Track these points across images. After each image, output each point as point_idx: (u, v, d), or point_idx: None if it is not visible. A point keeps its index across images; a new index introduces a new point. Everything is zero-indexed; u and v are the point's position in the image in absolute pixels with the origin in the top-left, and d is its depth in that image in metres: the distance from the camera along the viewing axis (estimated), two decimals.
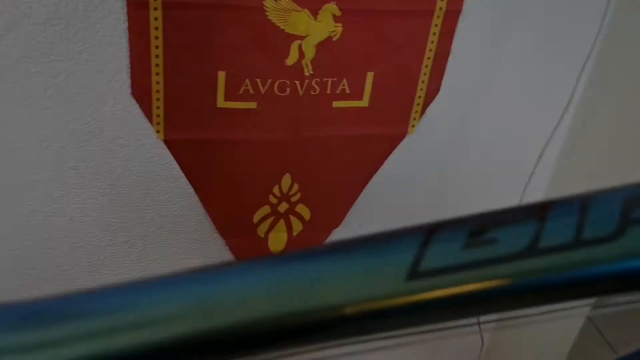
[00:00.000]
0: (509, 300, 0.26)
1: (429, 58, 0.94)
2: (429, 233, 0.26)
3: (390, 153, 1.01)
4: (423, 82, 0.96)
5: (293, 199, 1.00)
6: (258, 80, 0.87)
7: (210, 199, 0.95)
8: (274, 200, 0.99)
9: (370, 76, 0.93)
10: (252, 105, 0.89)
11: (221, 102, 0.87)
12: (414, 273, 0.25)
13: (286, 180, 0.98)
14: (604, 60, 1.00)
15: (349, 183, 1.03)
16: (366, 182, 1.03)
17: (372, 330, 0.25)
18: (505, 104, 1.02)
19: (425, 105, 0.98)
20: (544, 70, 1.00)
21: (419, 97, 0.97)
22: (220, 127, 0.89)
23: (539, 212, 0.26)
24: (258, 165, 0.95)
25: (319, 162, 0.98)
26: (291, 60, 0.87)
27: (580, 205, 0.26)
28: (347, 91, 0.93)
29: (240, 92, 0.87)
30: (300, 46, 0.86)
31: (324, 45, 0.88)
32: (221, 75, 0.85)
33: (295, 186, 0.99)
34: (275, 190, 0.98)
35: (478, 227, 0.26)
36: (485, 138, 1.05)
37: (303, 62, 0.88)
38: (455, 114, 1.01)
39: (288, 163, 0.97)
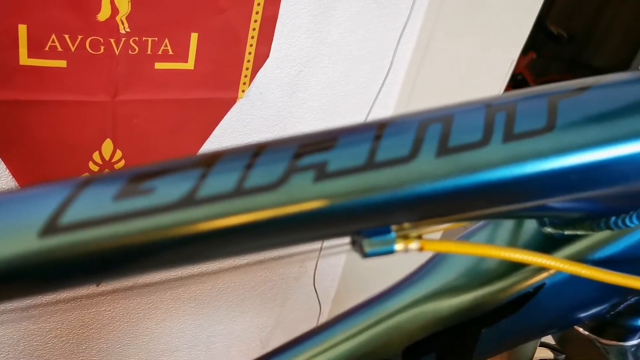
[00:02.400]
0: (170, 256, 0.24)
1: (256, 21, 0.92)
2: (81, 187, 0.24)
3: (221, 118, 0.98)
4: (251, 46, 0.94)
5: (117, 167, 0.95)
6: (66, 36, 0.80)
7: (20, 167, 0.88)
8: (94, 168, 0.93)
9: (194, 37, 0.89)
10: (62, 63, 0.82)
11: (24, 60, 0.79)
12: (50, 228, 0.22)
13: (107, 146, 0.93)
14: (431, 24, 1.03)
15: (178, 149, 0.99)
16: (197, 148, 1.00)
17: (13, 290, 0.23)
18: (336, 69, 1.03)
19: (255, 70, 0.96)
20: (373, 33, 1.02)
21: (248, 61, 0.95)
22: (26, 86, 0.82)
23: (205, 162, 0.25)
24: (74, 130, 0.88)
25: (144, 128, 0.94)
26: (103, 15, 0.81)
27: (252, 154, 0.25)
28: (170, 52, 0.89)
29: (47, 48, 0.80)
30: (112, 0, 0.80)
31: (141, 2, 0.83)
32: (22, 29, 0.77)
33: (119, 152, 0.94)
34: (96, 156, 0.93)
35: (137, 176, 0.24)
36: (318, 103, 1.05)
37: (117, 18, 0.82)
38: (286, 78, 1.00)
39: (108, 128, 0.91)
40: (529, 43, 2.36)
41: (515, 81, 2.29)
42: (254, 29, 0.92)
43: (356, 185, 0.25)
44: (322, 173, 0.25)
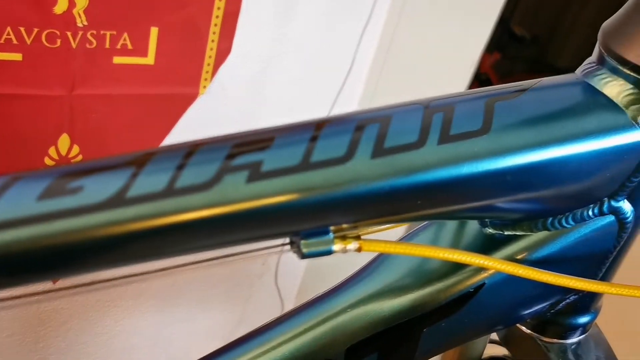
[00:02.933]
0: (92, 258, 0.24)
1: (217, 17, 0.91)
2: (6, 185, 0.23)
3: (182, 114, 0.97)
4: (213, 41, 0.93)
5: (74, 162, 0.93)
6: (22, 28, 0.78)
7: None
8: (50, 163, 0.91)
9: (154, 32, 0.88)
10: (17, 56, 0.80)
11: None
12: None
13: (64, 140, 0.91)
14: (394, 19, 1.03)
15: (137, 145, 0.97)
16: (157, 144, 0.98)
17: None
18: (299, 65, 1.03)
19: (217, 66, 0.95)
20: (337, 30, 1.02)
21: (210, 57, 0.94)
22: None
23: (137, 161, 0.24)
24: (29, 124, 0.86)
25: (102, 123, 0.92)
26: (59, 8, 0.79)
27: (186, 153, 0.25)
28: (129, 46, 0.87)
29: (2, 41, 0.78)
30: None
31: None
32: None
33: (76, 148, 0.92)
34: (52, 152, 0.91)
35: (66, 174, 0.24)
36: (281, 100, 1.05)
37: (74, 11, 0.80)
38: (248, 74, 0.99)
39: (65, 123, 0.89)
40: (494, 43, 2.40)
41: (481, 81, 2.32)
42: (215, 25, 0.91)
43: (290, 185, 0.25)
44: (256, 173, 0.25)
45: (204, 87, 0.96)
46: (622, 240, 0.33)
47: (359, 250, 0.29)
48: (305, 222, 0.27)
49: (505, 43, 2.37)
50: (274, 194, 0.25)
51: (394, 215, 0.28)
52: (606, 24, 0.30)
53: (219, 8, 0.90)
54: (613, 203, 0.32)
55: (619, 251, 0.34)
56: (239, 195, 0.25)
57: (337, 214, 0.27)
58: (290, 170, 0.25)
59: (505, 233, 0.33)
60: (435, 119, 0.27)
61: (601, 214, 0.32)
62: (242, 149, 0.26)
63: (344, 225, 0.28)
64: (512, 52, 2.37)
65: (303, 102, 1.07)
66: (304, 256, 0.28)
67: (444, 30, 1.10)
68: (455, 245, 0.35)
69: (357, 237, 0.28)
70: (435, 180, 0.27)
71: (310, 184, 0.25)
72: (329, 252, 0.28)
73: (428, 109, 0.28)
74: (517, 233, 0.33)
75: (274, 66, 1.00)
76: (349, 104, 1.10)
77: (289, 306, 1.28)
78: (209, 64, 0.94)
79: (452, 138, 0.27)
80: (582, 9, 2.15)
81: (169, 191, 0.24)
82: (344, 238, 0.28)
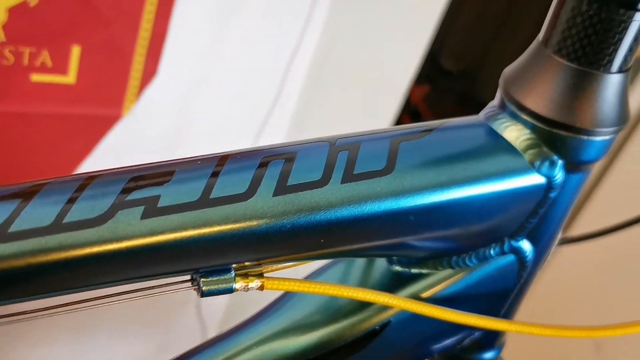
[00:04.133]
0: None
1: (144, 38, 0.89)
2: None
3: (103, 136, 0.94)
4: (138, 62, 0.91)
5: None
6: None
7: None
8: None
9: (76, 50, 0.85)
10: None
11: None
12: None
13: None
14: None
15: (55, 166, 0.93)
16: (75, 166, 0.95)
17: None
18: (228, 89, 1.02)
19: (142, 87, 0.93)
20: (268, 55, 1.02)
21: (134, 78, 0.92)
22: None
23: (25, 192, 0.23)
24: None
25: (18, 142, 0.88)
26: None
27: (79, 185, 0.24)
28: (49, 64, 0.84)
29: None
30: None
31: (18, 10, 0.78)
32: None
33: None
34: None
35: None
36: (209, 124, 1.04)
37: None
38: (175, 97, 0.97)
39: None
40: (424, 76, 2.47)
41: (411, 112, 2.38)
42: (141, 45, 0.90)
43: (188, 222, 0.24)
44: (152, 209, 0.24)
45: (128, 108, 0.93)
46: (523, 278, 0.34)
47: (261, 288, 0.28)
48: (205, 260, 0.26)
49: (434, 76, 2.45)
50: (171, 231, 0.24)
51: (297, 253, 0.28)
52: (507, 70, 0.32)
53: (145, 28, 0.88)
54: (513, 243, 0.33)
55: (520, 289, 0.35)
56: (132, 231, 0.24)
57: (238, 252, 0.26)
58: (188, 206, 0.25)
59: (412, 271, 0.33)
60: (340, 158, 0.27)
61: (502, 253, 0.33)
62: (139, 183, 0.25)
63: (247, 263, 0.28)
64: (441, 86, 2.45)
65: (231, 127, 1.06)
66: (203, 294, 0.27)
67: (374, 60, 1.12)
68: (363, 282, 0.35)
69: (260, 275, 0.28)
70: (338, 219, 0.27)
71: (209, 221, 0.25)
72: (230, 291, 0.27)
73: (334, 146, 0.28)
74: (423, 271, 0.33)
75: (201, 89, 0.99)
76: (277, 130, 1.10)
77: (212, 335, 1.25)
78: (133, 85, 0.92)
79: (355, 177, 0.27)
80: (507, 46, 2.25)
81: (56, 226, 0.23)
82: (246, 276, 0.28)
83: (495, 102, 0.32)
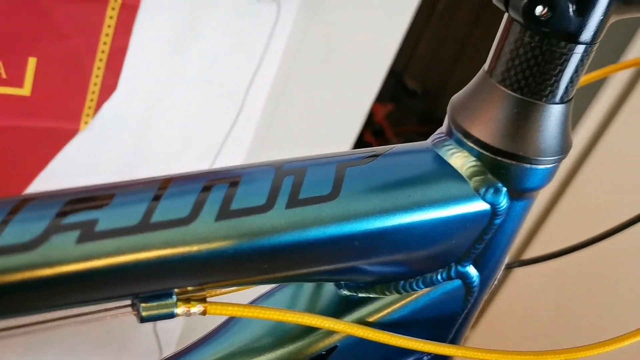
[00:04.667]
0: None
1: (103, 52, 0.88)
2: None
3: (59, 150, 0.92)
4: (97, 76, 0.89)
5: None
6: None
7: None
8: None
9: (32, 62, 0.84)
10: None
11: None
12: None
13: None
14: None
15: (8, 181, 0.91)
16: (29, 182, 0.92)
17: None
18: (190, 107, 1.01)
19: (101, 102, 0.91)
20: (230, 74, 1.01)
21: (93, 92, 0.90)
22: None
23: None
24: None
25: None
26: None
27: (12, 208, 0.23)
28: (3, 76, 0.82)
29: None
30: None
31: None
32: None
33: None
34: None
35: None
36: (169, 141, 1.02)
37: None
38: (135, 113, 0.96)
39: None
40: (388, 95, 2.50)
41: (374, 130, 2.40)
42: (100, 59, 0.88)
43: (126, 247, 0.24)
44: (88, 233, 0.23)
45: (85, 122, 0.92)
46: (470, 303, 0.35)
47: (203, 313, 0.28)
48: (144, 285, 0.25)
49: (398, 95, 2.48)
50: (107, 256, 0.24)
51: (240, 278, 0.28)
52: (454, 98, 0.32)
53: (105, 43, 0.87)
54: (460, 268, 0.33)
55: (467, 314, 0.35)
56: (66, 256, 0.23)
57: (179, 277, 0.26)
58: (127, 230, 0.24)
59: (359, 295, 0.33)
60: (286, 182, 0.27)
61: (449, 278, 0.33)
62: (76, 206, 0.24)
63: (190, 288, 0.27)
64: (405, 105, 2.49)
65: (191, 145, 1.05)
66: (142, 320, 0.26)
67: (336, 80, 1.13)
68: (311, 305, 0.34)
69: (203, 300, 0.27)
70: (282, 245, 0.27)
71: (148, 246, 0.24)
72: (171, 316, 0.27)
73: (280, 171, 0.28)
74: (371, 295, 0.33)
75: (162, 106, 0.98)
76: (238, 149, 1.09)
77: (168, 353, 1.22)
78: (91, 100, 0.90)
79: (300, 202, 0.27)
80: (468, 68, 2.30)
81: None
82: (188, 301, 0.27)
83: (443, 129, 0.32)
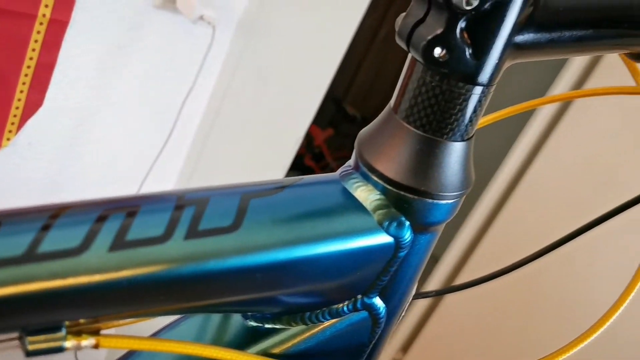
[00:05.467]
0: None
1: (29, 67, 0.85)
2: None
3: None
4: (22, 92, 0.86)
5: None
6: None
7: None
8: None
9: None
10: None
11: None
12: None
13: None
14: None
15: None
16: None
17: None
18: (119, 126, 0.99)
19: (25, 118, 0.88)
20: (161, 95, 1.00)
21: (17, 108, 0.87)
22: None
23: None
24: None
25: None
26: None
27: None
28: None
29: None
30: None
31: None
32: None
33: None
34: None
35: None
36: (95, 160, 1.00)
37: None
38: (61, 130, 0.93)
39: None
40: (329, 120, 2.53)
41: (314, 154, 2.42)
42: (26, 75, 0.86)
43: (8, 279, 0.23)
44: None
45: (8, 139, 0.88)
46: (376, 335, 0.35)
47: (96, 347, 0.27)
48: (31, 318, 0.24)
49: (338, 121, 2.52)
50: None
51: (136, 310, 0.27)
52: (362, 132, 0.33)
53: (31, 58, 0.84)
54: (366, 300, 0.33)
55: (375, 345, 0.36)
56: None
57: (69, 309, 0.25)
58: (10, 261, 0.23)
59: (266, 326, 0.33)
60: (186, 213, 0.27)
61: (355, 310, 0.33)
62: None
63: (82, 320, 0.26)
64: (345, 130, 2.52)
65: (118, 165, 1.03)
66: (28, 354, 0.25)
67: (273, 104, 1.14)
68: (216, 337, 0.34)
69: (96, 332, 0.27)
70: (180, 276, 0.26)
71: (34, 277, 0.23)
72: (60, 350, 0.26)
73: (182, 200, 0.28)
74: (277, 326, 0.33)
75: (90, 124, 0.96)
76: (169, 172, 1.07)
77: None
78: (15, 115, 0.87)
79: (199, 234, 0.27)
80: None
81: None
82: (79, 334, 0.26)
83: (351, 162, 0.33)
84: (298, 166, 2.39)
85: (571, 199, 1.44)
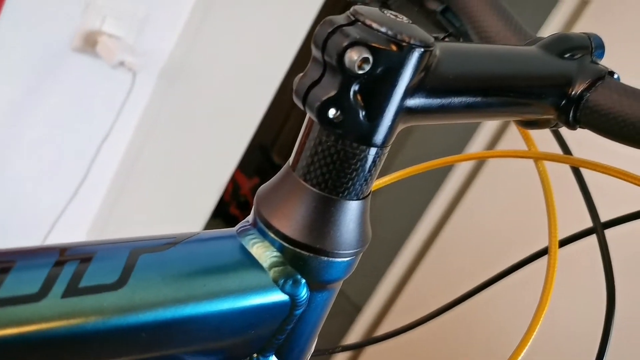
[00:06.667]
0: None
1: None
2: None
3: None
4: None
5: None
6: None
7: None
8: None
9: None
10: None
11: None
12: None
13: None
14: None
15: None
16: None
17: None
18: (29, 170, 0.95)
19: None
20: (74, 139, 0.97)
21: None
22: None
23: None
24: None
25: None
26: None
27: None
28: None
29: None
30: None
31: None
32: None
33: None
34: None
35: None
36: (2, 204, 0.95)
37: None
38: None
39: None
40: (255, 169, 2.53)
41: (239, 202, 2.40)
42: None
43: None
44: None
45: None
46: None
47: None
48: None
49: (265, 170, 2.52)
50: None
51: None
52: (261, 189, 0.33)
53: None
54: (262, 359, 0.32)
55: None
56: None
57: None
58: None
59: None
60: (67, 269, 0.26)
61: None
62: None
63: None
64: (270, 178, 2.52)
65: (25, 210, 0.98)
66: None
67: (195, 151, 1.12)
68: None
69: None
70: (55, 336, 0.25)
71: None
72: None
73: (63, 255, 0.26)
74: None
75: (1, 167, 0.91)
76: (80, 220, 1.03)
77: None
78: None
79: (79, 291, 0.25)
80: None
81: None
82: None
83: (249, 218, 0.33)
84: (223, 214, 2.36)
85: (486, 250, 1.50)
